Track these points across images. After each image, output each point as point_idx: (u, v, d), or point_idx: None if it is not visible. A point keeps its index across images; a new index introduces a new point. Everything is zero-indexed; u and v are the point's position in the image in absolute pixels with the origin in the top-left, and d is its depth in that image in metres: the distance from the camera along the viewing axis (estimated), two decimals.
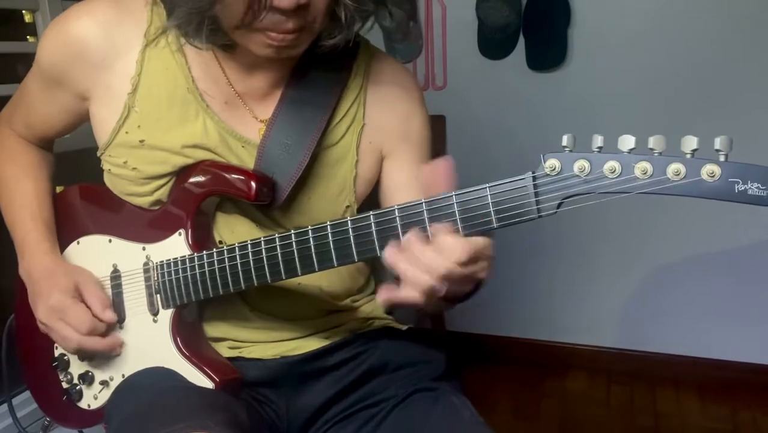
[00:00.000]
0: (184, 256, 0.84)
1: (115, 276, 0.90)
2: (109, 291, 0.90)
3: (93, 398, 0.93)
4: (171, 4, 0.74)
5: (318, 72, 0.85)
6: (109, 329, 0.88)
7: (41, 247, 0.91)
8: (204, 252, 0.82)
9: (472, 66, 2.21)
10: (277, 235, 0.77)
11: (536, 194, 0.65)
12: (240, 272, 0.79)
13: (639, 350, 2.28)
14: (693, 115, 2.02)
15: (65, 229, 0.95)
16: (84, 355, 0.92)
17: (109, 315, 0.87)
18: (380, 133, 0.90)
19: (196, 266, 0.82)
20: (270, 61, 0.82)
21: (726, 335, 2.16)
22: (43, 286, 0.87)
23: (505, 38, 2.14)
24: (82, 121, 0.92)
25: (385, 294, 0.69)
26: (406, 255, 0.67)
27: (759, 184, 0.58)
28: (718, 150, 0.59)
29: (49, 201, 0.96)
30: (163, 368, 0.86)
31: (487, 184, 0.66)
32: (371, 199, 0.95)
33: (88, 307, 0.87)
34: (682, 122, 2.01)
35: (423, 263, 0.65)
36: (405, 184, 0.93)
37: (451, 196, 0.67)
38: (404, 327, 1.00)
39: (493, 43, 2.16)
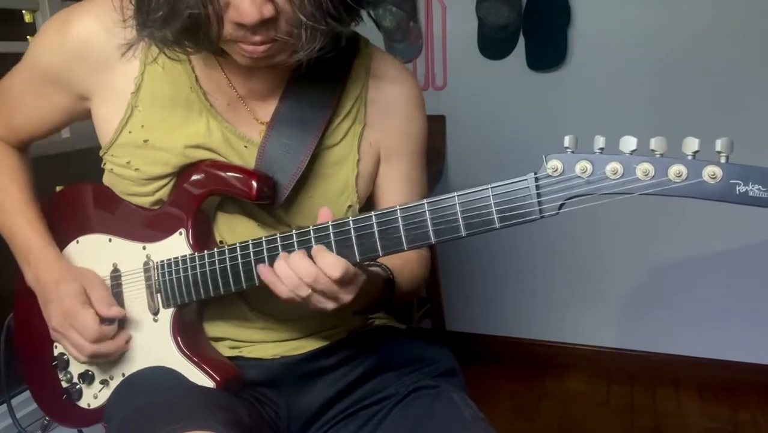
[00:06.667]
0: (185, 255, 0.84)
1: (115, 276, 0.90)
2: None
3: (93, 398, 0.93)
4: (141, 19, 0.71)
5: (318, 73, 0.85)
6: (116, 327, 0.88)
7: (46, 253, 0.91)
8: (205, 252, 0.82)
9: (472, 66, 2.21)
10: (278, 234, 0.76)
11: (538, 195, 0.65)
12: (241, 272, 0.79)
13: (639, 350, 2.29)
14: (693, 116, 2.02)
15: (65, 228, 0.94)
16: (98, 362, 0.92)
17: (115, 310, 0.86)
18: (380, 133, 0.90)
19: (197, 265, 0.82)
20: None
21: (726, 334, 2.17)
22: (53, 292, 0.87)
23: (505, 38, 2.14)
24: (72, 122, 0.92)
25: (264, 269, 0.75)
26: (287, 261, 0.72)
27: (760, 186, 0.58)
28: (719, 152, 0.58)
29: (37, 205, 0.95)
30: (163, 367, 0.86)
31: (489, 185, 0.66)
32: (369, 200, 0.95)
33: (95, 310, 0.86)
34: (681, 123, 2.01)
35: (298, 265, 0.71)
36: (396, 187, 0.93)
37: (453, 196, 0.68)
38: (404, 327, 1.00)
39: (493, 43, 2.16)
